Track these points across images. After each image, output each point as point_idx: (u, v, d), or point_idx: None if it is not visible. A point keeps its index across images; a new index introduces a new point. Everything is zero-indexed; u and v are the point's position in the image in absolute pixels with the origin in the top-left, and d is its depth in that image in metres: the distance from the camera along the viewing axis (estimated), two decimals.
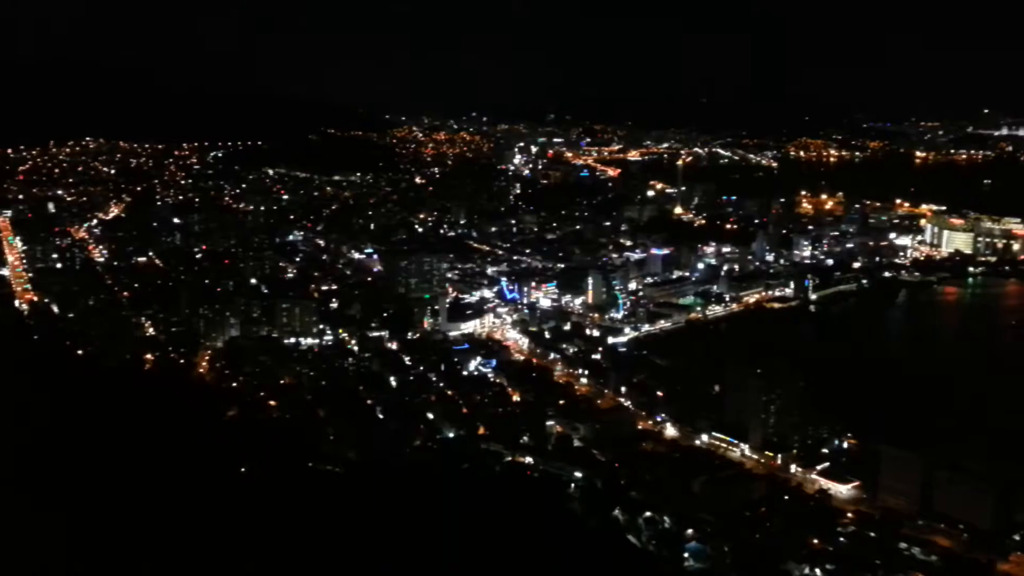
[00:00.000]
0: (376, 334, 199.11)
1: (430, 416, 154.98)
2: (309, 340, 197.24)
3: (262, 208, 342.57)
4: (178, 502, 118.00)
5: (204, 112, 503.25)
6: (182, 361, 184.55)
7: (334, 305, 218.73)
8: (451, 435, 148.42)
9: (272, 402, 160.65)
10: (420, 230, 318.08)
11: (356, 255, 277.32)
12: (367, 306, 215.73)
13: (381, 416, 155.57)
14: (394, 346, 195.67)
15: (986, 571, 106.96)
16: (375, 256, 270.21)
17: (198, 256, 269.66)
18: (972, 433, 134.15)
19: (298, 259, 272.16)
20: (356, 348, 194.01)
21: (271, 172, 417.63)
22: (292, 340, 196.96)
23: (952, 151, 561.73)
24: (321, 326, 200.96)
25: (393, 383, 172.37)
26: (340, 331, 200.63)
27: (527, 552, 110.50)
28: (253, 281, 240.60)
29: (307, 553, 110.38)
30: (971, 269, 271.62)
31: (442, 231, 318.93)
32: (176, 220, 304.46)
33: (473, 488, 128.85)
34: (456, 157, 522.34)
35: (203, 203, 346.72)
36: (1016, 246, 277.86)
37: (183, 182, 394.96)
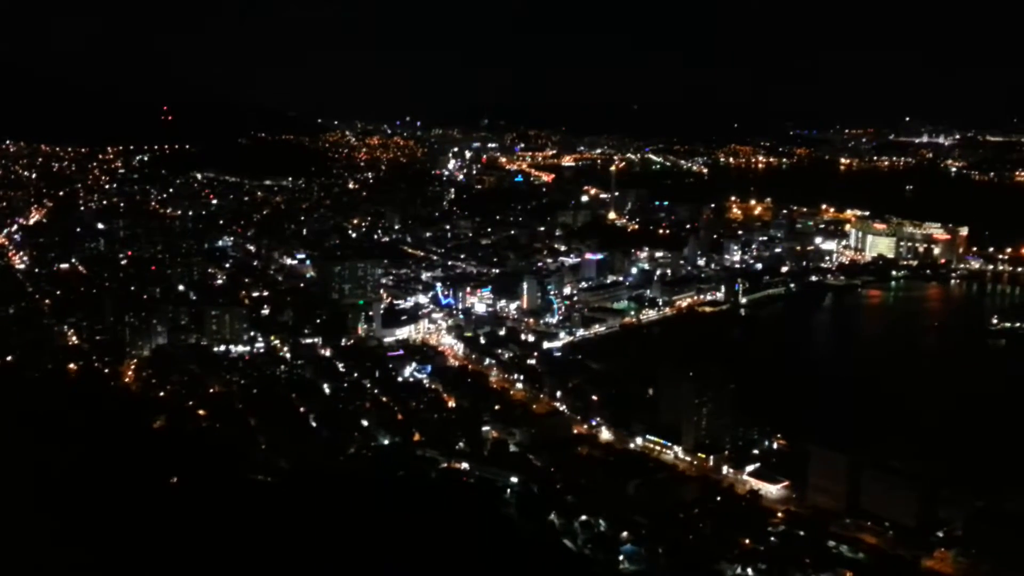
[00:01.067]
0: (309, 341, 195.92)
1: (365, 423, 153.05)
2: (240, 348, 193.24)
3: (190, 213, 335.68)
4: (105, 516, 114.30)
5: (129, 114, 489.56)
6: (107, 370, 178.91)
7: (265, 312, 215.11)
8: (386, 442, 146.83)
9: (201, 411, 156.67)
10: (353, 235, 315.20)
11: (288, 261, 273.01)
12: (299, 313, 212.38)
13: (314, 424, 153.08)
14: (327, 353, 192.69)
15: (911, 568, 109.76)
16: (307, 262, 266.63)
17: (123, 262, 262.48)
18: (897, 433, 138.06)
19: (228, 265, 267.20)
20: (288, 355, 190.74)
21: (199, 176, 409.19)
22: (222, 348, 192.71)
23: (875, 158, 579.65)
24: (252, 333, 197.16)
25: (327, 390, 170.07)
26: (272, 338, 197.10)
27: (463, 559, 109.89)
28: (181, 288, 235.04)
29: (239, 563, 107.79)
30: (894, 273, 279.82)
31: (376, 236, 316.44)
32: (100, 225, 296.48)
33: (409, 495, 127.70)
34: (390, 162, 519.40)
35: (128, 208, 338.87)
36: (936, 250, 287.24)
37: (107, 186, 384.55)
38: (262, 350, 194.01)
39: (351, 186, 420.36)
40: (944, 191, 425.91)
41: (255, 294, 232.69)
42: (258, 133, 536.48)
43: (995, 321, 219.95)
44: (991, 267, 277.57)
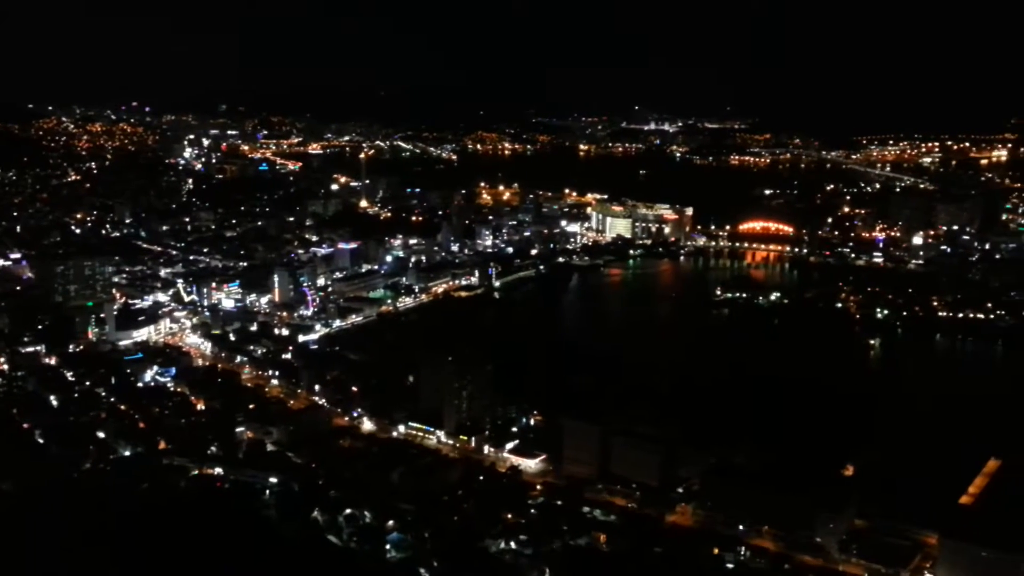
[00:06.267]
0: (30, 349, 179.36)
1: (101, 435, 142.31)
2: None
3: None
4: None
5: None
6: None
7: None
8: (127, 453, 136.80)
9: None
10: (78, 231, 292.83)
11: (0, 262, 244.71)
12: (17, 319, 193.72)
13: (41, 440, 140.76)
14: (53, 361, 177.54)
15: (656, 524, 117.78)
16: (23, 262, 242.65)
17: None
18: (640, 399, 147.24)
19: None
20: (6, 367, 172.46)
21: None
22: None
23: (610, 144, 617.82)
24: None
25: (54, 403, 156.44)
26: None
27: (219, 568, 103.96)
28: None
29: None
30: (631, 251, 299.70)
31: (104, 232, 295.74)
32: None
33: (155, 508, 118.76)
34: (116, 151, 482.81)
35: None
36: (667, 229, 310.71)
37: None
38: None
39: (72, 177, 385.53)
40: (671, 174, 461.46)
41: None
42: None
43: (719, 292, 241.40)
44: (713, 243, 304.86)
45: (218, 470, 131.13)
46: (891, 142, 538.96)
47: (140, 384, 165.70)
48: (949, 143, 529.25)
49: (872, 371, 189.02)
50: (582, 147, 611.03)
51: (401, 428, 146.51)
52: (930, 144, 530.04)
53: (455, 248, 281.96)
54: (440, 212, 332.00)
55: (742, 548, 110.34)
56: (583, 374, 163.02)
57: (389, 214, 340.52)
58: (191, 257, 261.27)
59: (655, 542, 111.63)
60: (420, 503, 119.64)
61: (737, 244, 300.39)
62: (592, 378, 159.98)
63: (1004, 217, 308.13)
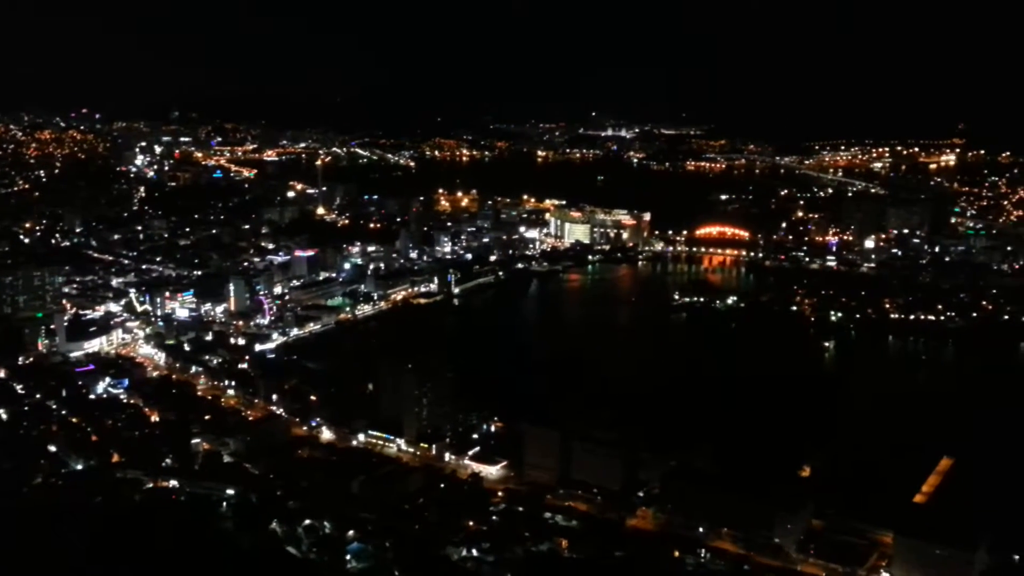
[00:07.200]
0: None
1: (52, 449, 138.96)
2: None
3: None
4: None
5: None
6: None
7: None
8: (79, 467, 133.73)
9: None
10: (27, 241, 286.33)
11: None
12: None
13: None
14: (2, 374, 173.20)
15: (617, 528, 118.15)
16: None
17: None
18: (600, 404, 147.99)
19: None
20: None
21: None
22: None
23: (568, 150, 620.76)
24: None
25: (3, 416, 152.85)
26: None
27: None
28: None
29: None
30: (590, 257, 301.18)
31: (54, 241, 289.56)
32: None
33: (109, 523, 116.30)
34: (66, 158, 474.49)
35: None
36: (625, 235, 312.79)
37: None
38: None
39: (21, 186, 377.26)
40: (628, 180, 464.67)
41: None
42: None
43: (676, 297, 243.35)
44: (671, 248, 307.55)
45: (173, 483, 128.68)
46: (843, 147, 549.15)
47: (92, 396, 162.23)
48: (899, 148, 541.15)
49: (827, 373, 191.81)
50: (540, 153, 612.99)
51: (361, 437, 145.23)
52: (880, 149, 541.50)
53: (414, 255, 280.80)
54: (398, 219, 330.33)
55: (702, 550, 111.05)
56: (543, 380, 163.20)
57: (347, 221, 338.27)
58: (144, 266, 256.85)
59: (616, 546, 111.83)
60: (381, 512, 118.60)
61: (694, 249, 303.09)
62: (551, 383, 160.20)
63: (952, 220, 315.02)
